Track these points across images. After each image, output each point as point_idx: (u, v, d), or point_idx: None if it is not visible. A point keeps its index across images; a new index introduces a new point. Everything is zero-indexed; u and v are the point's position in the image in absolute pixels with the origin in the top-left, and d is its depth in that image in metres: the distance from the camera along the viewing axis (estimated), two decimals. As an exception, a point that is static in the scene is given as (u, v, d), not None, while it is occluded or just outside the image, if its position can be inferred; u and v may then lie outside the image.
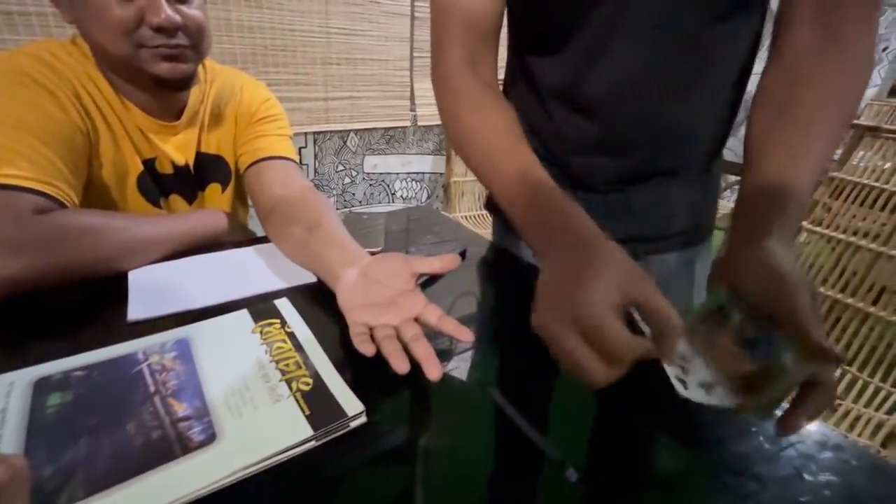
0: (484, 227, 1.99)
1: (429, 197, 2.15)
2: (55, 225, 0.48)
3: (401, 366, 0.36)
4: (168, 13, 0.56)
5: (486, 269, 0.65)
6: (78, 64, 0.59)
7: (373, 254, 0.51)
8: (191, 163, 0.70)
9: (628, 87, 0.51)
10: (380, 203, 1.99)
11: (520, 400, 0.37)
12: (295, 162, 0.74)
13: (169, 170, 0.68)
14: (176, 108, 0.67)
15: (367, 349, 0.38)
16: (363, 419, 0.34)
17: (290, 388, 0.36)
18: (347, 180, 1.85)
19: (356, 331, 0.40)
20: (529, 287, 0.34)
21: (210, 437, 0.31)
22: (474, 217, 2.07)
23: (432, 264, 0.48)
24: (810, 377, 0.28)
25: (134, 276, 0.51)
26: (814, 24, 0.41)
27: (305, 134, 1.63)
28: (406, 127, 1.92)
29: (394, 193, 2.02)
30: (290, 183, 0.68)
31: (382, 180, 1.96)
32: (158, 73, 0.59)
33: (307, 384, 0.36)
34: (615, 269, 0.30)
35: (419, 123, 1.94)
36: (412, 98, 1.88)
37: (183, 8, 0.58)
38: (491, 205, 0.73)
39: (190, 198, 0.73)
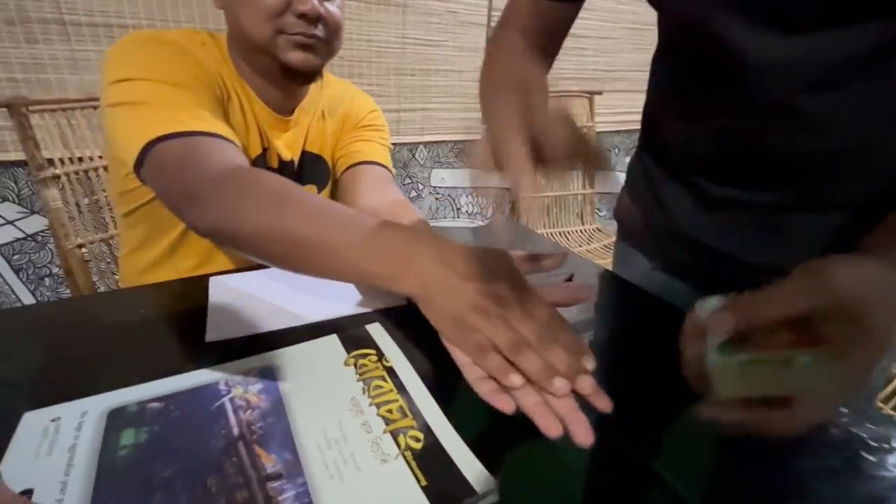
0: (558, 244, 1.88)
1: (494, 212, 2.07)
2: (251, 179, 0.44)
3: (552, 427, 0.27)
4: (314, 3, 0.58)
5: (602, 299, 0.55)
6: (216, 51, 0.62)
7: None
8: (296, 160, 0.70)
9: None
10: (445, 218, 1.94)
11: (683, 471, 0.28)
12: (391, 173, 0.74)
13: (275, 164, 0.68)
14: (292, 104, 0.68)
15: (502, 403, 0.29)
16: (495, 497, 0.26)
17: (398, 445, 0.29)
18: (413, 194, 1.81)
19: (473, 374, 0.32)
20: (644, 318, 0.25)
21: (306, 509, 0.24)
22: (544, 235, 1.97)
23: (555, 294, 0.39)
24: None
25: (215, 289, 0.47)
26: None
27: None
28: (476, 140, 1.87)
29: (459, 209, 1.97)
30: (384, 195, 0.67)
31: (449, 195, 1.91)
32: (290, 60, 0.59)
33: (417, 440, 0.29)
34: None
35: (488, 137, 1.88)
36: (483, 110, 1.83)
37: (327, 4, 0.61)
38: (618, 215, 0.67)
39: None
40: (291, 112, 0.69)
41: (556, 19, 0.54)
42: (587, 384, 0.30)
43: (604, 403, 0.29)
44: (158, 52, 0.54)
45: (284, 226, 0.39)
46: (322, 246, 0.38)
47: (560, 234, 2.01)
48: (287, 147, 0.69)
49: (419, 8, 1.53)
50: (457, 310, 0.34)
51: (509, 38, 0.52)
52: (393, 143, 1.69)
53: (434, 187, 1.85)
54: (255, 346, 0.38)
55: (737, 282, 0.49)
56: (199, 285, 0.47)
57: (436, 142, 1.76)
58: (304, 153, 0.71)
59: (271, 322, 0.42)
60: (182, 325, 0.42)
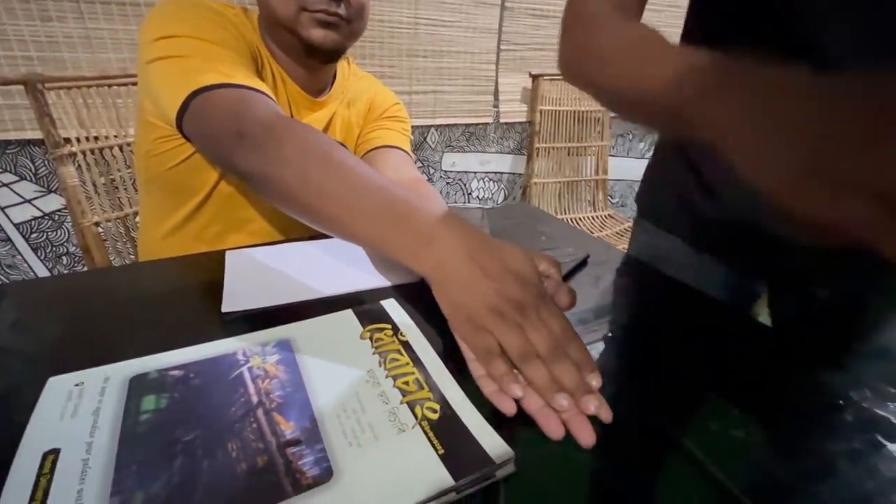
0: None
1: (505, 198, 2.06)
2: (301, 129, 0.46)
3: (555, 430, 0.28)
4: None
5: (621, 283, 0.55)
6: (250, 26, 0.63)
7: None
8: None
9: None
10: (455, 203, 1.93)
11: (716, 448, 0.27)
12: (411, 157, 0.75)
13: None
14: (319, 85, 0.69)
15: (504, 404, 0.30)
16: (511, 468, 0.26)
17: (415, 415, 0.29)
18: (424, 178, 1.81)
19: (478, 372, 0.32)
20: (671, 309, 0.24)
21: (326, 473, 0.25)
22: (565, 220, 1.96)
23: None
24: None
25: (231, 261, 0.47)
26: None
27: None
28: (488, 124, 1.85)
29: (470, 193, 1.96)
30: (401, 171, 0.67)
31: (460, 179, 1.90)
32: (312, 37, 0.60)
33: (434, 411, 0.29)
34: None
35: (501, 120, 1.86)
36: (496, 94, 1.80)
37: None
38: (642, 201, 0.66)
39: None
40: (319, 94, 0.69)
41: None
42: (591, 404, 0.30)
43: (606, 416, 0.30)
44: (200, 14, 0.55)
45: (323, 178, 0.41)
46: (352, 206, 0.39)
47: (572, 220, 1.99)
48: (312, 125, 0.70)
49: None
50: (473, 307, 0.34)
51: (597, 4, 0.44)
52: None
53: (445, 171, 1.84)
54: (271, 319, 0.38)
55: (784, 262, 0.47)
56: (216, 259, 0.48)
57: (447, 125, 1.75)
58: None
59: (287, 295, 0.42)
60: (200, 298, 0.42)
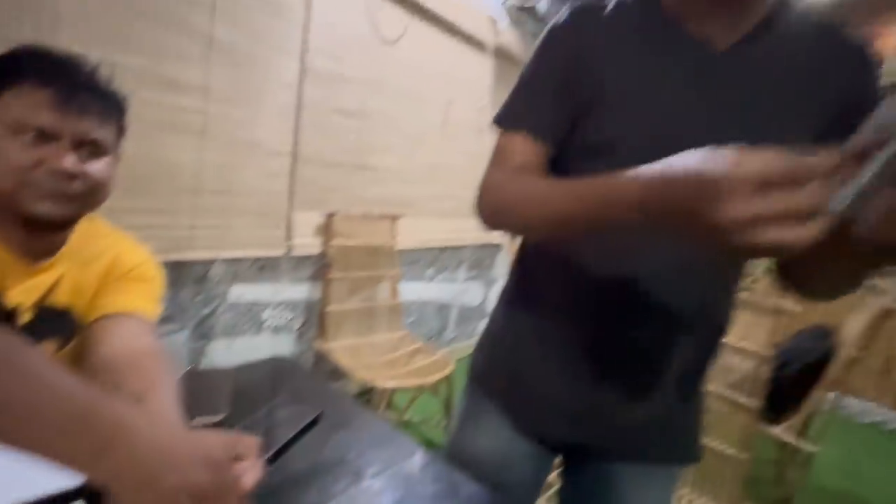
0: (360, 359, 1.94)
1: (303, 325, 2.06)
2: None
3: None
4: (72, 162, 0.56)
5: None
6: None
7: (212, 425, 0.46)
8: (24, 308, 0.62)
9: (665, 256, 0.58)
10: (245, 334, 1.85)
11: None
12: (148, 321, 0.68)
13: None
14: (43, 250, 0.63)
15: None
16: None
17: None
18: (206, 311, 1.70)
19: None
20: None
21: None
22: (351, 347, 2.02)
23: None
24: None
25: None
26: None
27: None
28: (279, 257, 1.90)
29: (262, 322, 1.90)
30: (129, 343, 0.62)
31: (250, 310, 1.85)
32: (36, 210, 0.56)
33: None
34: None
35: (294, 254, 1.93)
36: (289, 229, 1.89)
37: (90, 163, 0.59)
38: (475, 365, 0.75)
39: None
40: (42, 258, 0.63)
41: (541, 159, 0.62)
42: None
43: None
44: None
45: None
46: (28, 416, 0.36)
47: (367, 344, 2.08)
48: (21, 294, 0.62)
49: (221, 136, 1.58)
50: None
51: (510, 172, 0.61)
52: (185, 260, 1.60)
53: (231, 304, 1.78)
54: None
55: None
56: None
57: (235, 259, 1.73)
58: (41, 306, 0.64)
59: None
60: None
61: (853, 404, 2.95)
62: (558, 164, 0.63)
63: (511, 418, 0.68)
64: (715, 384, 1.33)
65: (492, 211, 0.61)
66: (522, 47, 2.76)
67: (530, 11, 2.76)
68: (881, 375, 2.90)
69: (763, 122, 0.54)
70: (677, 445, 0.67)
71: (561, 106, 0.61)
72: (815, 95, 0.54)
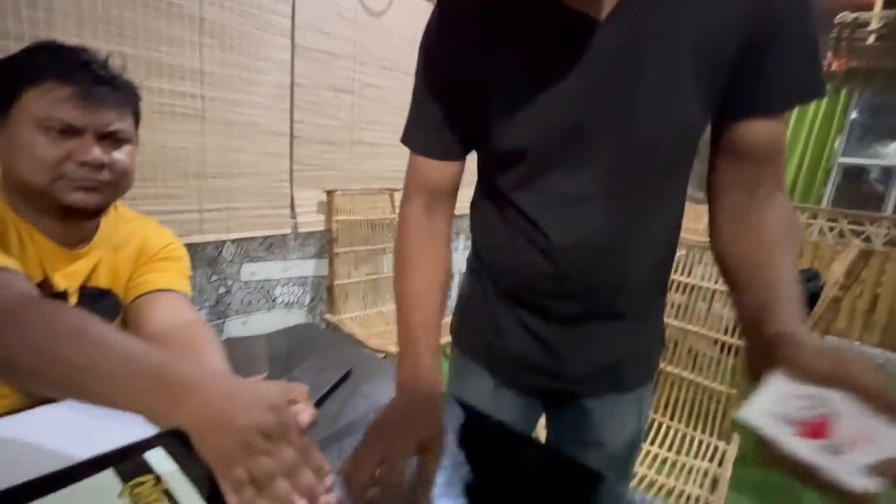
0: (370, 328, 2.02)
1: (312, 300, 2.14)
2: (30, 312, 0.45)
3: None
4: (97, 154, 0.61)
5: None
6: None
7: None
8: (71, 291, 0.68)
9: (585, 235, 0.58)
10: (259, 311, 1.93)
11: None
12: (186, 296, 0.74)
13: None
14: (80, 237, 0.69)
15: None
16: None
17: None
18: (223, 290, 1.77)
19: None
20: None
21: None
22: (360, 318, 2.10)
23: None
24: None
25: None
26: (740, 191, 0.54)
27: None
28: (286, 234, 1.95)
29: (274, 299, 1.98)
30: (173, 316, 0.67)
31: (262, 287, 1.92)
32: (72, 201, 0.60)
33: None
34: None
35: (300, 230, 1.98)
36: (293, 207, 1.94)
37: (114, 153, 0.64)
38: (454, 330, 0.78)
39: None
40: (77, 245, 0.69)
41: (449, 175, 0.63)
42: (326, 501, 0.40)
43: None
44: None
45: (76, 356, 0.41)
46: (107, 379, 0.41)
47: (377, 314, 2.16)
48: (66, 279, 0.67)
49: (218, 119, 1.61)
50: (226, 447, 0.38)
51: (416, 223, 0.62)
52: (197, 242, 1.66)
53: (245, 282, 1.84)
54: (21, 497, 0.39)
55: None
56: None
57: (244, 238, 1.79)
58: (85, 287, 0.70)
59: (39, 467, 0.43)
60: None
61: (839, 344, 3.09)
62: (489, 169, 0.64)
63: (490, 373, 0.72)
64: (705, 329, 1.42)
65: (395, 255, 0.64)
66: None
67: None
68: (867, 314, 3.03)
69: (663, 87, 0.50)
70: (642, 369, 0.72)
71: (453, 119, 0.58)
72: (713, 34, 0.48)
